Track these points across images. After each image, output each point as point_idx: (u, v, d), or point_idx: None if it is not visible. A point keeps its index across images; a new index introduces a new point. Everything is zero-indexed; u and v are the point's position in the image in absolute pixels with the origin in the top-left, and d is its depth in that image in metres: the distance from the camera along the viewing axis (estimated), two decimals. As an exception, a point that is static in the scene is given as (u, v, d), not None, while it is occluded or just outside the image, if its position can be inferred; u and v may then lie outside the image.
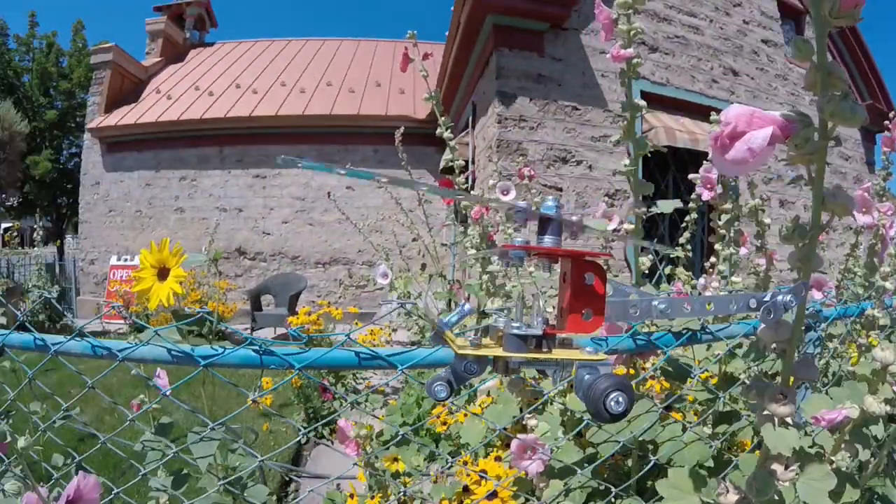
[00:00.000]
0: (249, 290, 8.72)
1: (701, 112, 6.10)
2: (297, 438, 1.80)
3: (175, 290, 1.07)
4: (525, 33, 5.02)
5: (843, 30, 8.12)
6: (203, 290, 8.44)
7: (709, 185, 1.68)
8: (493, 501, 1.30)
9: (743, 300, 0.83)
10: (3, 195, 9.40)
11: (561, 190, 4.96)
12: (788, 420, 0.77)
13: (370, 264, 9.27)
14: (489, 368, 0.65)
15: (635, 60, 1.40)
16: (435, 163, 9.23)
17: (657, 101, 5.72)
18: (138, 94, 11.43)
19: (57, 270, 11.42)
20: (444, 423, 2.45)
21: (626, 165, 1.44)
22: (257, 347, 0.99)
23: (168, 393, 1.44)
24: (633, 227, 1.51)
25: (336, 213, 9.37)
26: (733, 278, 1.82)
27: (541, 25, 5.05)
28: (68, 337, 1.01)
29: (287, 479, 3.46)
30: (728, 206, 1.80)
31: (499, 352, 0.62)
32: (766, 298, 0.87)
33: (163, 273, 1.06)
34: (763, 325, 0.76)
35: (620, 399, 0.56)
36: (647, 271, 1.53)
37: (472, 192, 5.63)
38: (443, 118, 1.89)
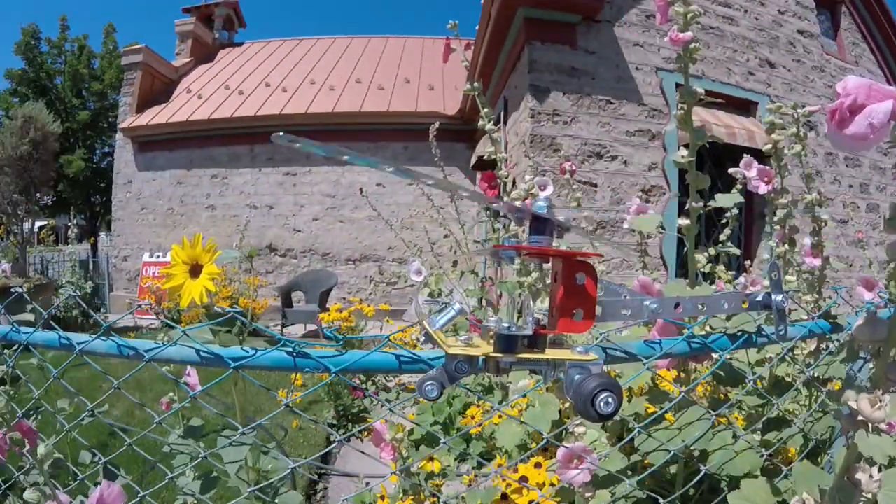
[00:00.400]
0: (280, 286, 8.77)
1: (737, 105, 5.98)
2: (331, 443, 1.76)
3: (208, 287, 1.03)
4: (557, 26, 4.94)
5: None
6: (234, 286, 8.51)
7: (766, 179, 1.60)
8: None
9: (735, 300, 0.86)
10: (38, 194, 9.53)
11: (596, 186, 4.87)
12: (882, 426, 0.71)
13: (400, 261, 9.28)
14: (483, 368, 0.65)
15: (693, 45, 1.33)
16: (465, 159, 9.18)
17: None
18: (169, 95, 11.60)
19: (90, 267, 11.64)
20: (479, 425, 2.40)
21: (682, 157, 1.37)
22: (291, 349, 0.93)
23: (197, 394, 1.42)
24: (688, 222, 1.44)
25: (366, 210, 9.37)
26: (787, 277, 1.73)
27: (573, 18, 4.97)
28: (93, 336, 0.98)
29: (316, 477, 3.45)
30: (785, 200, 1.72)
31: (489, 352, 0.62)
32: (759, 298, 0.91)
33: (195, 270, 1.04)
34: (858, 324, 0.71)
35: (610, 400, 0.56)
36: (703, 270, 1.45)
37: (507, 191, 5.58)
38: (485, 109, 1.84)
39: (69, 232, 10.29)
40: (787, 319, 0.95)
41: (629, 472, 1.28)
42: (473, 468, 2.37)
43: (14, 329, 1.05)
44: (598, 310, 0.66)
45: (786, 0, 6.64)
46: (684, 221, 1.45)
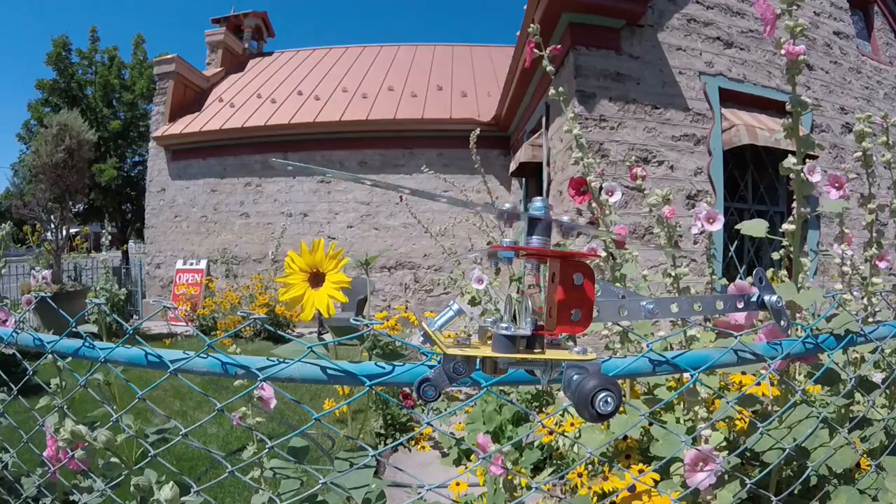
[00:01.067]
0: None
1: (777, 108, 5.96)
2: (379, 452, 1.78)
3: (336, 297, 0.96)
4: (601, 31, 4.97)
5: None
6: (269, 294, 8.60)
7: (837, 184, 1.63)
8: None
9: (731, 301, 0.86)
10: (72, 201, 9.75)
11: (643, 191, 4.89)
12: None
13: (436, 268, 9.33)
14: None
15: (801, 57, 1.37)
16: (500, 165, 9.24)
17: (734, 99, 5.61)
18: (201, 103, 11.78)
19: (123, 274, 11.82)
20: (551, 433, 2.43)
21: (792, 164, 1.41)
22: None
23: (272, 406, 1.44)
24: (793, 227, 1.48)
25: (401, 217, 9.45)
26: (874, 280, 1.76)
27: (617, 23, 4.99)
28: (195, 353, 0.95)
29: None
30: (873, 206, 1.75)
31: (487, 352, 0.62)
32: (753, 299, 0.91)
33: (316, 278, 0.98)
34: None
35: (609, 399, 0.56)
36: (807, 272, 1.49)
37: (545, 194, 5.60)
38: (546, 50, 1.89)
39: (103, 239, 10.46)
40: (787, 317, 0.95)
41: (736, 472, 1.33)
42: (551, 475, 2.41)
43: (88, 344, 1.01)
44: (596, 310, 0.67)
45: (821, 1, 6.62)
46: (789, 227, 1.49)
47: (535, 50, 2.01)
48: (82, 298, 8.56)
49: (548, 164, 5.80)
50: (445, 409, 4.09)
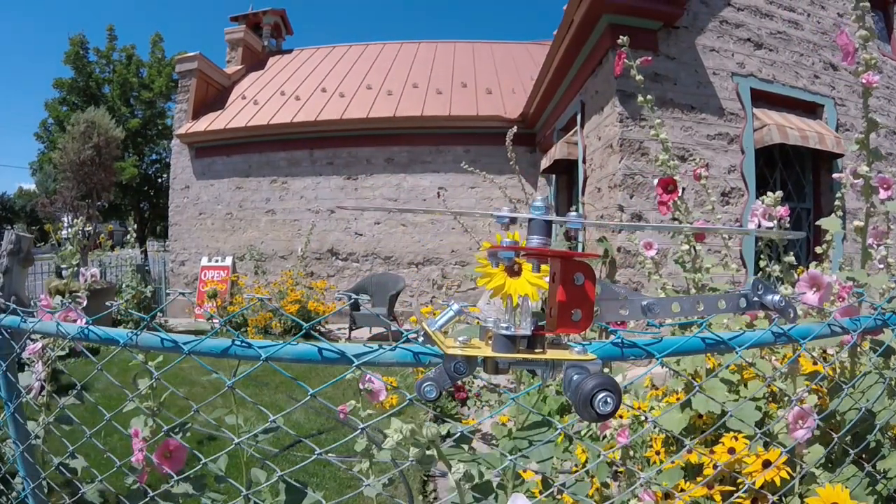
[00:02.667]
0: (347, 290, 9.10)
1: (804, 108, 6.19)
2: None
3: (540, 285, 0.99)
4: (639, 32, 5.18)
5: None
6: (300, 290, 8.81)
7: (885, 185, 1.89)
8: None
9: (733, 300, 0.88)
10: (99, 200, 9.93)
11: (683, 189, 5.15)
12: None
13: (463, 264, 9.56)
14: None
15: (875, 86, 1.65)
16: (527, 163, 9.47)
17: (765, 99, 5.83)
18: (223, 101, 12.03)
19: (146, 271, 12.04)
20: (620, 416, 2.66)
21: (865, 171, 1.69)
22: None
23: (382, 398, 1.53)
24: (862, 223, 1.75)
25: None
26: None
27: (654, 24, 5.22)
28: (139, 329, 1.08)
29: (425, 478, 3.58)
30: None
31: (488, 352, 0.64)
32: (755, 298, 0.93)
33: (512, 269, 1.04)
34: None
35: (609, 399, 0.57)
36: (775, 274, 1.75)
37: (583, 193, 5.85)
38: (636, 61, 2.13)
39: (126, 236, 10.67)
40: (794, 309, 0.95)
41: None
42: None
43: (241, 343, 1.02)
44: (597, 310, 0.68)
45: (844, 2, 6.84)
46: (859, 223, 1.76)
47: (624, 59, 2.24)
48: (110, 296, 8.70)
49: (583, 161, 6.05)
50: (485, 402, 4.31)
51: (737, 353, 1.15)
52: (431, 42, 13.77)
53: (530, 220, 0.67)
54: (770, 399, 1.90)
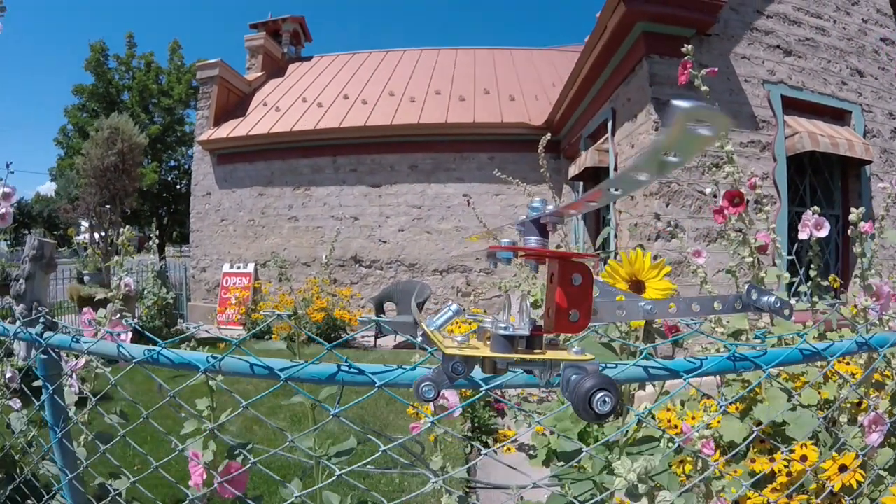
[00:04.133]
0: (372, 297, 9.24)
1: (833, 115, 6.29)
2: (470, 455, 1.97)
3: (667, 288, 1.09)
4: (672, 40, 5.27)
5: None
6: (327, 298, 8.90)
7: None
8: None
9: (728, 302, 0.87)
10: (122, 206, 10.06)
11: (716, 196, 5.26)
12: None
13: (488, 272, 9.62)
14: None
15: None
16: (551, 169, 9.53)
17: (794, 106, 5.92)
18: (244, 108, 12.21)
19: (165, 277, 12.12)
20: (675, 426, 2.74)
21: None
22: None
23: (456, 415, 1.52)
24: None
25: (453, 220, 9.82)
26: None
27: (687, 32, 5.33)
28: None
29: (466, 490, 3.59)
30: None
31: (486, 352, 0.65)
32: (752, 299, 0.90)
33: (636, 285, 1.12)
34: None
35: (607, 399, 0.58)
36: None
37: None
38: (702, 71, 2.26)
39: (148, 242, 10.74)
40: (790, 306, 0.94)
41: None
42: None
43: (353, 370, 1.02)
44: (594, 310, 0.68)
45: (867, 8, 6.92)
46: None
47: (690, 70, 2.36)
48: (132, 304, 8.71)
49: (615, 168, 6.18)
50: (526, 412, 4.38)
51: (829, 362, 1.24)
52: (451, 49, 13.97)
53: (527, 220, 0.67)
54: (821, 406, 1.98)
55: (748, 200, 2.38)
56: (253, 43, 13.78)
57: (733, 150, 2.35)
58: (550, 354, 0.65)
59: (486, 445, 4.18)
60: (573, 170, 7.28)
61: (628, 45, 5.64)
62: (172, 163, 17.76)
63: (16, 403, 1.85)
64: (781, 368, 2.01)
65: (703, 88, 2.35)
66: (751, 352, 1.14)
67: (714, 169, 5.05)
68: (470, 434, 4.42)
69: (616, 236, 5.99)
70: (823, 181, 6.47)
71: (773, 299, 0.87)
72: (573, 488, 1.51)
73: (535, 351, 0.65)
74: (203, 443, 1.43)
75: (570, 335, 0.73)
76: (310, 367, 1.03)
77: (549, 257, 0.66)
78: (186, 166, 20.63)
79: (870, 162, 6.04)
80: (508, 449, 3.76)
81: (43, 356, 1.39)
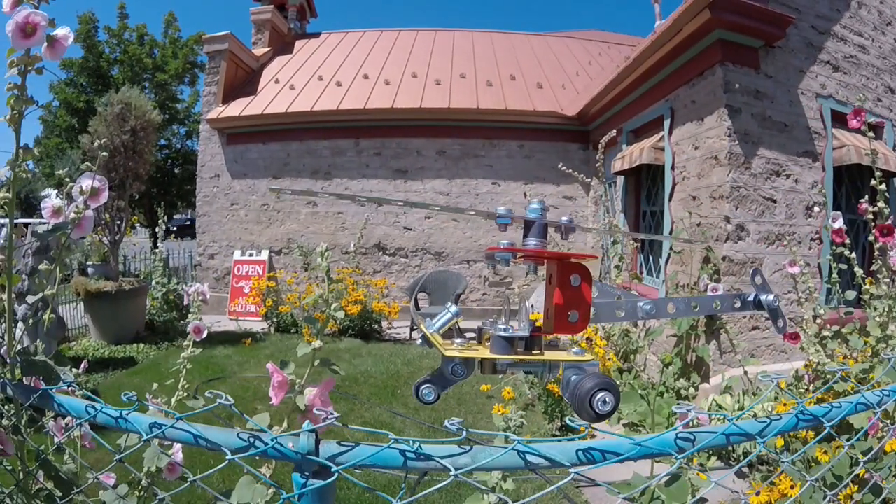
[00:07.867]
0: (405, 288, 9.54)
1: (868, 129, 6.78)
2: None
3: None
4: (743, 49, 5.65)
5: None
6: (362, 290, 8.91)
7: None
8: None
9: (727, 301, 0.90)
10: (131, 191, 9.75)
11: (775, 202, 5.75)
12: None
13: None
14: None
15: None
16: (579, 159, 9.98)
17: (841, 120, 6.38)
18: (253, 85, 12.07)
19: (170, 265, 12.04)
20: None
21: None
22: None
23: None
24: None
25: (482, 208, 10.09)
26: None
27: (757, 42, 5.73)
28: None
29: (576, 487, 3.87)
30: None
31: (486, 353, 0.67)
32: (750, 299, 0.95)
33: None
34: None
35: (607, 399, 0.59)
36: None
37: (670, 200, 6.39)
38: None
39: (157, 229, 10.52)
40: (783, 316, 0.97)
41: None
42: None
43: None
44: (593, 311, 0.70)
45: None
46: None
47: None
48: (143, 297, 8.83)
49: (672, 168, 6.60)
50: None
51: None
52: (467, 31, 14.14)
53: (526, 221, 0.72)
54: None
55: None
56: (260, 16, 13.58)
57: (885, 188, 2.77)
58: (549, 355, 0.68)
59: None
60: (619, 164, 7.60)
61: (700, 48, 6.01)
62: (163, 141, 17.39)
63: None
64: None
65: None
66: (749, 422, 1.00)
67: (774, 176, 5.49)
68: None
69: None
70: (856, 189, 6.96)
71: (771, 297, 0.92)
72: None
73: (534, 352, 0.68)
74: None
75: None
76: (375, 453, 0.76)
77: (547, 258, 0.70)
78: (178, 146, 20.62)
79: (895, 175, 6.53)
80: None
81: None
